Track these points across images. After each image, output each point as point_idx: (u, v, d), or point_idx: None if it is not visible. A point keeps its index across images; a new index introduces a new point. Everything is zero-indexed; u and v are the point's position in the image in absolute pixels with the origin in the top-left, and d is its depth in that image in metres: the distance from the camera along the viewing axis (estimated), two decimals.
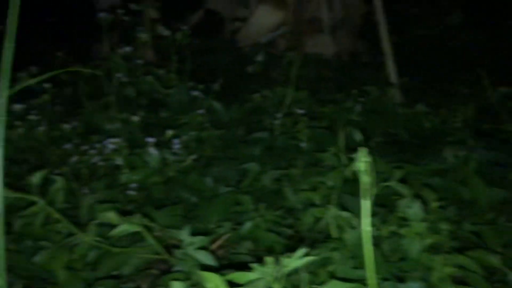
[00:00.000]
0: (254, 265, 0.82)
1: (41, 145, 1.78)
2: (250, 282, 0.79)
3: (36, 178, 1.18)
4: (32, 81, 0.82)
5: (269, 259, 0.79)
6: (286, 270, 0.81)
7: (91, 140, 1.90)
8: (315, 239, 1.40)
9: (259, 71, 2.89)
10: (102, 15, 1.98)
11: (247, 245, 1.47)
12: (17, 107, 1.78)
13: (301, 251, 0.81)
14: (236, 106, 2.36)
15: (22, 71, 2.06)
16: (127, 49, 2.02)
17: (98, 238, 1.32)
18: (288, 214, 1.63)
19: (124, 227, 1.09)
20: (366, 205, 0.71)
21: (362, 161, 0.70)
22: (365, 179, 0.70)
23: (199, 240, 1.16)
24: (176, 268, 1.25)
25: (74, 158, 1.77)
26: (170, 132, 1.75)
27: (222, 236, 1.43)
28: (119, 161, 1.68)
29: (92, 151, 1.81)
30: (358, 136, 1.25)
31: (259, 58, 2.95)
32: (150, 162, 1.71)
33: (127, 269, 1.40)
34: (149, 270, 1.46)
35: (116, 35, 2.08)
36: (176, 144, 1.82)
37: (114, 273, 1.42)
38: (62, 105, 2.19)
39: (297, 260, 0.80)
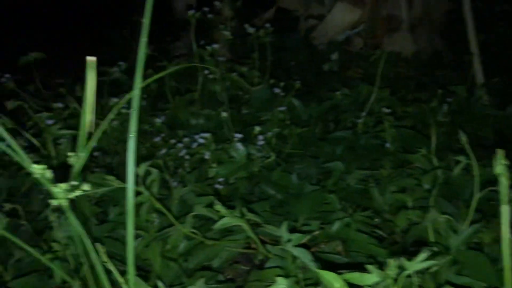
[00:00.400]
0: (370, 267, 0.80)
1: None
2: (371, 284, 0.78)
3: (140, 169, 1.22)
4: (161, 74, 0.84)
5: (391, 261, 0.77)
6: (406, 273, 0.78)
7: (178, 134, 1.96)
8: (410, 242, 1.36)
9: (335, 69, 2.85)
10: (190, 12, 2.03)
11: (336, 245, 1.45)
12: (113, 100, 1.87)
13: (423, 254, 0.78)
14: (314, 104, 2.34)
15: (113, 66, 2.15)
16: (215, 46, 2.06)
17: (193, 230, 1.36)
18: (376, 215, 1.60)
19: (227, 220, 1.11)
20: (505, 211, 0.67)
21: (500, 164, 0.66)
22: (505, 183, 0.66)
23: (297, 237, 1.15)
24: (270, 264, 1.26)
25: (163, 151, 1.83)
26: (257, 128, 1.76)
27: (308, 235, 1.42)
28: (207, 155, 1.71)
29: (180, 145, 1.86)
30: (463, 137, 1.19)
31: (335, 56, 2.90)
32: (236, 157, 1.73)
33: (217, 262, 1.43)
34: (237, 264, 1.49)
35: (193, 33, 2.12)
36: (260, 141, 1.83)
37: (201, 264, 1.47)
38: (147, 100, 2.26)
39: (419, 263, 0.77)
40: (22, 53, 1.98)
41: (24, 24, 4.36)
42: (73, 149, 1.66)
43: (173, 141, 1.87)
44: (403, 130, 2.00)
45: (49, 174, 0.64)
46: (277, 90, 2.15)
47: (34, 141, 1.46)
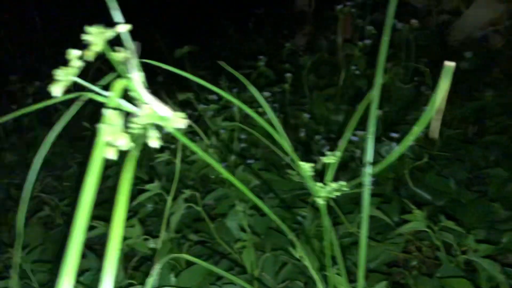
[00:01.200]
0: None
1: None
2: None
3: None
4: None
5: None
6: None
7: (319, 129, 1.95)
8: None
9: (473, 68, 2.67)
10: (338, 7, 2.00)
11: (506, 257, 1.36)
12: (266, 94, 1.90)
13: None
14: (457, 104, 2.21)
15: (249, 61, 2.19)
16: (366, 41, 2.01)
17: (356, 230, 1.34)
18: None
19: (415, 225, 1.07)
20: None
21: None
22: None
23: (484, 248, 1.08)
24: (443, 272, 1.20)
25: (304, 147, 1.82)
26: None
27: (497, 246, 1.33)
28: (358, 153, 1.68)
29: (322, 141, 1.85)
30: None
31: (470, 54, 2.72)
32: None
33: (374, 263, 1.40)
34: (395, 268, 1.45)
35: (340, 28, 2.09)
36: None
37: None
38: (281, 94, 2.27)
39: None
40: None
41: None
42: (231, 140, 1.71)
43: (317, 136, 1.86)
44: None
45: (311, 171, 0.64)
46: (423, 88, 2.06)
47: (200, 131, 1.52)
